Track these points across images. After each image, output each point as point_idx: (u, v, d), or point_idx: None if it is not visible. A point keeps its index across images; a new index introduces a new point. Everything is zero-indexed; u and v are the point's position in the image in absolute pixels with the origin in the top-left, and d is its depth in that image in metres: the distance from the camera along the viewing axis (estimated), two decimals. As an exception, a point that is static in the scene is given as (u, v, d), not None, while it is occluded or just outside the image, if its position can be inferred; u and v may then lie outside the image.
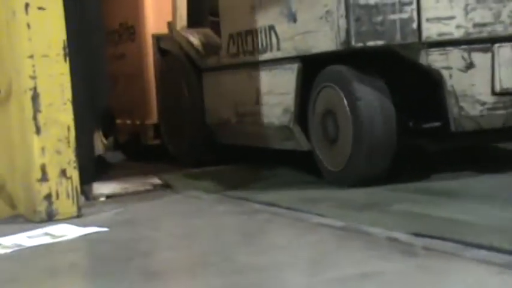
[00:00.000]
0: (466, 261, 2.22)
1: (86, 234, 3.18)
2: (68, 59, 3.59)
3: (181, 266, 2.52)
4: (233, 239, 2.88)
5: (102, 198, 4.19)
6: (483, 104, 3.80)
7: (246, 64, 4.59)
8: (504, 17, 3.80)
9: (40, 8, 3.57)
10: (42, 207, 3.55)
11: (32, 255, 2.89)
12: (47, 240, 3.13)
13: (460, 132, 3.85)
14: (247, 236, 2.90)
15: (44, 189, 3.55)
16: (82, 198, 3.90)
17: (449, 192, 3.49)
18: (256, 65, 4.49)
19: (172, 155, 5.48)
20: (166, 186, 4.41)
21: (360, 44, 3.71)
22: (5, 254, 2.94)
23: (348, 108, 3.82)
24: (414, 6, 3.72)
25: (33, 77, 3.55)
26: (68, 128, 3.58)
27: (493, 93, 3.80)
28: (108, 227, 3.25)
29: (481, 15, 3.77)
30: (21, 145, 3.67)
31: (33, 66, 3.54)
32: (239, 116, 4.77)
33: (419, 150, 4.27)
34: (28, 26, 3.55)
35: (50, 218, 3.54)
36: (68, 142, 3.58)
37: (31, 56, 3.55)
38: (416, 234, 2.55)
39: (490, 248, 2.29)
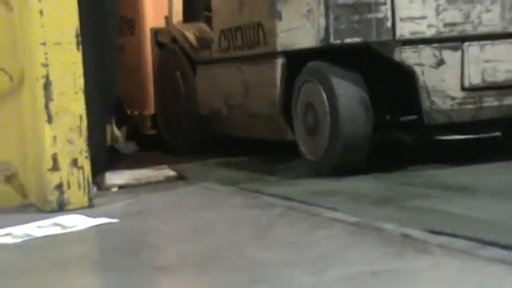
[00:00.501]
0: (482, 260, 2.17)
1: (96, 225, 3.15)
2: (80, 47, 3.56)
3: (191, 260, 2.48)
4: (245, 233, 2.84)
5: (115, 189, 4.16)
6: (453, 98, 4.02)
7: (235, 58, 4.84)
8: (473, 17, 4.03)
9: (53, -4, 3.54)
10: (53, 196, 3.52)
11: (41, 245, 2.87)
12: (57, 230, 3.11)
13: (434, 125, 4.08)
14: (260, 231, 2.86)
15: (55, 178, 3.52)
16: (94, 188, 3.88)
17: (463, 187, 3.46)
18: (245, 60, 4.74)
19: (168, 145, 5.70)
20: (179, 178, 4.38)
21: (338, 41, 3.97)
22: (15, 244, 2.92)
23: (326, 102, 4.04)
24: (389, 6, 3.96)
25: (46, 65, 3.52)
26: (80, 118, 3.55)
27: (463, 88, 4.02)
28: (119, 218, 3.22)
29: (452, 15, 4.00)
30: (33, 134, 3.64)
31: (46, 53, 3.51)
32: (229, 108, 4.99)
33: (397, 142, 4.51)
34: (41, 13, 3.52)
35: (61, 208, 3.52)
36: (80, 131, 3.55)
37: (44, 44, 3.52)
38: (431, 231, 2.50)
39: (506, 247, 2.23)
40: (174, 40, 5.50)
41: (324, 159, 4.07)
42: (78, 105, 3.55)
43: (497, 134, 4.66)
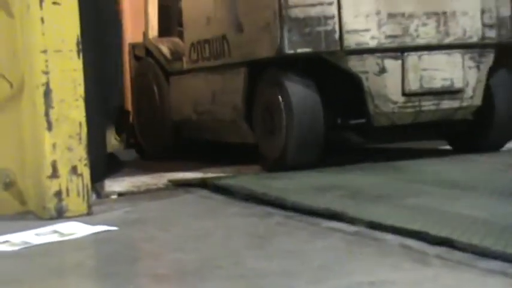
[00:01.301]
0: (480, 271, 2.16)
1: (94, 233, 3.14)
2: (81, 54, 3.56)
3: (189, 268, 2.48)
4: (243, 242, 2.83)
5: (114, 196, 4.16)
6: (395, 102, 4.54)
7: (204, 68, 5.33)
8: (412, 30, 4.55)
9: (55, 3, 3.54)
10: (51, 204, 3.52)
11: (39, 253, 2.86)
12: (55, 238, 3.10)
13: (380, 127, 4.60)
14: (258, 240, 2.85)
15: (54, 185, 3.52)
16: (93, 196, 3.88)
17: (463, 185, 3.51)
18: (212, 70, 5.23)
19: (145, 151, 6.21)
20: (178, 185, 4.38)
21: (292, 51, 4.41)
22: (12, 251, 2.91)
23: (282, 106, 4.51)
24: (336, 20, 4.43)
25: (46, 72, 3.52)
26: (80, 125, 3.55)
27: (403, 93, 4.55)
28: (117, 226, 3.22)
29: (392, 28, 4.52)
30: (32, 141, 3.64)
31: (46, 61, 3.51)
32: (198, 114, 5.47)
33: (348, 143, 5.08)
34: (42, 20, 3.53)
35: (60, 215, 3.51)
36: (80, 139, 3.55)
37: (44, 51, 3.52)
38: (430, 242, 2.50)
39: (505, 259, 2.23)
40: (150, 53, 5.98)
41: (281, 157, 4.53)
42: (78, 113, 3.55)
43: (448, 147, 5.16)
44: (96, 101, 3.87)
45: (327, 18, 4.44)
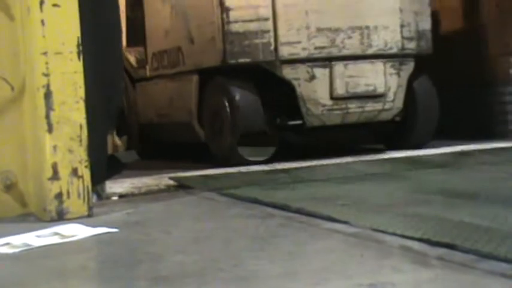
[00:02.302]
0: (481, 273, 2.16)
1: (95, 235, 3.15)
2: (81, 57, 3.56)
3: (191, 270, 2.48)
4: (244, 244, 2.83)
5: (115, 198, 4.16)
6: (323, 105, 5.24)
7: (163, 76, 6.05)
8: (338, 42, 5.27)
9: (55, 5, 3.55)
10: (52, 206, 3.52)
11: (40, 255, 2.86)
12: (56, 240, 3.10)
13: (313, 127, 5.30)
14: (259, 241, 2.85)
15: (54, 187, 3.52)
16: (94, 197, 3.88)
17: (464, 194, 3.52)
18: (170, 77, 5.94)
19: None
20: (179, 187, 4.38)
21: (234, 61, 5.14)
22: (13, 254, 2.91)
23: (228, 109, 5.19)
24: (272, 34, 5.15)
25: (47, 75, 3.52)
26: (80, 127, 3.55)
27: (331, 98, 5.25)
28: (118, 228, 3.22)
29: (321, 41, 5.23)
30: (33, 143, 3.64)
31: (47, 63, 3.52)
32: (159, 117, 6.16)
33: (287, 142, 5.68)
34: (42, 22, 3.53)
35: (61, 217, 3.52)
36: (80, 141, 3.55)
37: (45, 53, 3.52)
38: (431, 243, 2.49)
39: (506, 260, 2.22)
40: None
41: (228, 155, 5.20)
42: (79, 115, 3.55)
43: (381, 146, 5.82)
44: (97, 103, 3.87)
45: (264, 32, 5.14)
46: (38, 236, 3.13)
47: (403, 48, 5.45)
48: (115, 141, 6.46)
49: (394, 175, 4.41)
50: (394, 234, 2.68)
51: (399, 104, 5.46)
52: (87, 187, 3.57)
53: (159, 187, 4.37)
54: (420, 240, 2.55)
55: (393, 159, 5.09)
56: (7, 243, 3.03)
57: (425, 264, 2.29)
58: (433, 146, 5.60)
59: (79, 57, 3.56)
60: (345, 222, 2.96)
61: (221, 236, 3.01)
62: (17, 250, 2.95)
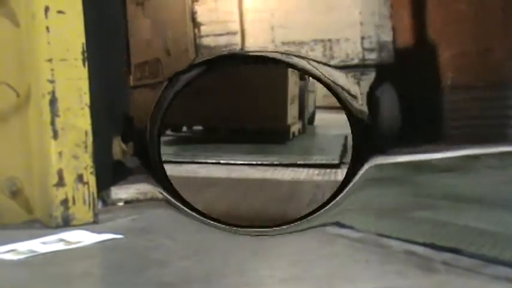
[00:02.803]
0: (486, 278, 2.16)
1: (101, 241, 3.15)
2: (86, 63, 3.56)
3: (195, 276, 2.48)
4: (249, 250, 2.83)
5: (120, 204, 4.16)
6: None
7: (145, 85, 6.41)
8: (303, 53, 5.69)
9: (60, 12, 3.55)
10: (58, 212, 3.52)
11: (45, 262, 2.86)
12: (61, 246, 3.10)
13: None
14: (263, 247, 2.85)
15: (60, 194, 3.52)
16: (99, 204, 3.88)
17: (469, 198, 3.51)
18: (150, 86, 6.23)
19: None
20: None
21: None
22: (18, 260, 2.91)
23: None
24: (240, 46, 5.54)
25: (52, 81, 3.52)
26: (86, 133, 3.56)
27: None
28: (124, 234, 3.22)
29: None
30: (38, 149, 3.64)
31: (52, 70, 3.52)
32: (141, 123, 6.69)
33: None
34: (47, 29, 3.53)
35: (66, 223, 3.52)
36: (86, 147, 3.55)
37: (50, 60, 3.52)
38: (436, 248, 2.49)
39: (510, 265, 2.22)
40: None
41: None
42: (84, 121, 3.56)
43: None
44: (102, 109, 3.87)
45: (233, 45, 5.59)
46: (43, 243, 3.13)
47: (363, 59, 5.85)
48: (122, 146, 6.50)
49: (400, 179, 4.40)
50: (399, 239, 2.68)
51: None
52: (93, 193, 3.57)
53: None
54: (425, 245, 2.54)
55: (398, 163, 5.09)
56: (12, 250, 3.03)
57: (431, 270, 2.28)
58: (440, 150, 5.60)
59: (84, 64, 3.56)
60: (350, 227, 2.96)
61: (226, 243, 3.00)
62: (22, 256, 2.95)
